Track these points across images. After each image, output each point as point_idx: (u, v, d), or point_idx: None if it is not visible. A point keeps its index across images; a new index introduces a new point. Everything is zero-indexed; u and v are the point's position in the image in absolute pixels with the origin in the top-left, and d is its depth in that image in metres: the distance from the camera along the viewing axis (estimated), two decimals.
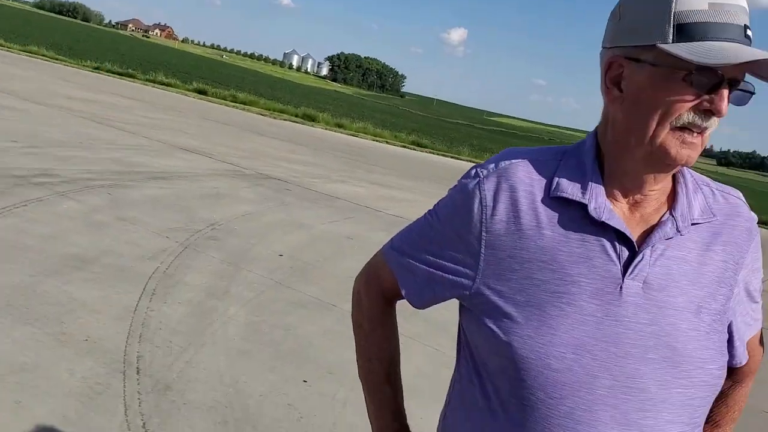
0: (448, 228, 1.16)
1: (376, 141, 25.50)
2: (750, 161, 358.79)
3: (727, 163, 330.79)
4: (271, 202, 8.68)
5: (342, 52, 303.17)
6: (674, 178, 1.18)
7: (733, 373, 1.31)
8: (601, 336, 1.07)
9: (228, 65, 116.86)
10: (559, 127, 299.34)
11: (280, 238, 6.88)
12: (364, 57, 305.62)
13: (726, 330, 1.18)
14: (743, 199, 1.24)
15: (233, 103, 26.84)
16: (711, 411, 1.29)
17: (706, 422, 1.25)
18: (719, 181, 1.26)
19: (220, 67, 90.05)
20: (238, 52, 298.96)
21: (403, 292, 1.22)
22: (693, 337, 1.11)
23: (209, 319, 4.39)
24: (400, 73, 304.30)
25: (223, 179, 9.54)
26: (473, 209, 1.13)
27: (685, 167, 1.13)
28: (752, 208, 1.26)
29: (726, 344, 1.17)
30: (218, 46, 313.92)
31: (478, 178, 1.15)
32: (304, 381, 3.82)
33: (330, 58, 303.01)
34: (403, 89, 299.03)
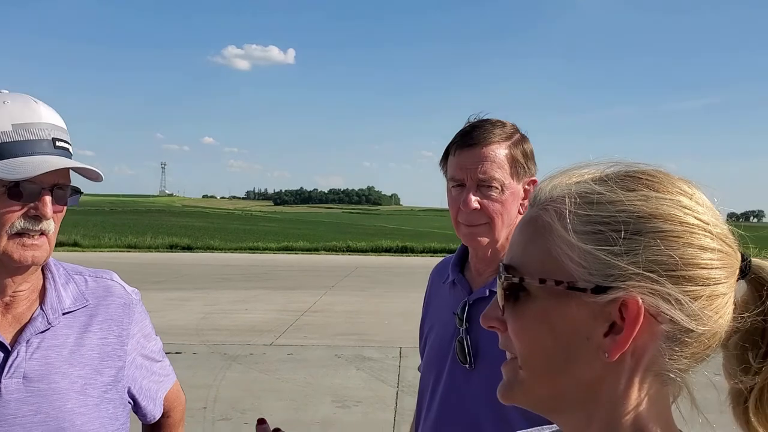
0: None
1: None
2: (300, 197, 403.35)
3: (282, 202, 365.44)
4: None
5: None
6: (44, 274, 1.33)
7: (160, 426, 1.55)
8: None
9: None
10: (118, 195, 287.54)
11: None
12: None
13: (124, 396, 1.38)
14: (116, 279, 1.44)
15: None
16: None
17: None
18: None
19: None
20: None
21: None
22: (81, 413, 1.26)
23: None
24: None
25: None
26: None
27: (53, 262, 1.34)
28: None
29: (125, 409, 1.38)
30: None
31: None
32: None
33: None
34: None
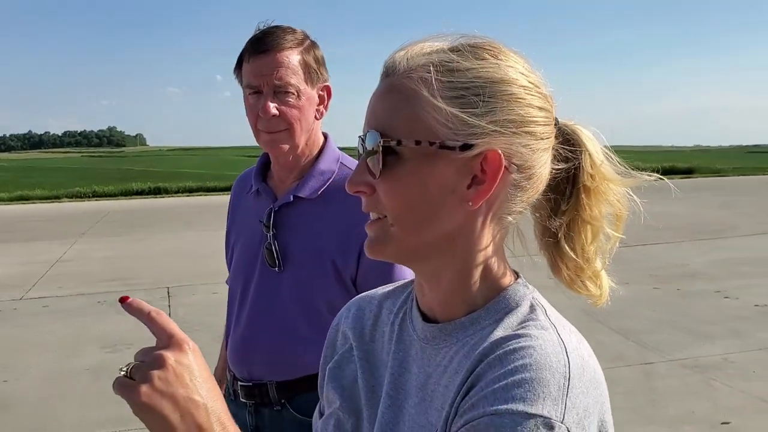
0: None
1: None
2: (30, 141, 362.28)
3: (8, 148, 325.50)
4: None
5: None
6: None
7: None
8: None
9: None
10: None
11: None
12: None
13: None
14: None
15: None
16: None
17: None
18: None
19: None
20: None
21: None
22: None
23: None
24: None
25: None
26: None
27: None
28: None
29: None
30: None
31: None
32: None
33: None
34: None
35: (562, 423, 0.65)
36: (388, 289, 0.97)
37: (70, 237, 13.71)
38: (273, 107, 1.57)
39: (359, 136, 0.81)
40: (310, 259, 1.63)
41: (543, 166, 0.79)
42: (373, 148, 0.76)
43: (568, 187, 0.83)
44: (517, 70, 0.77)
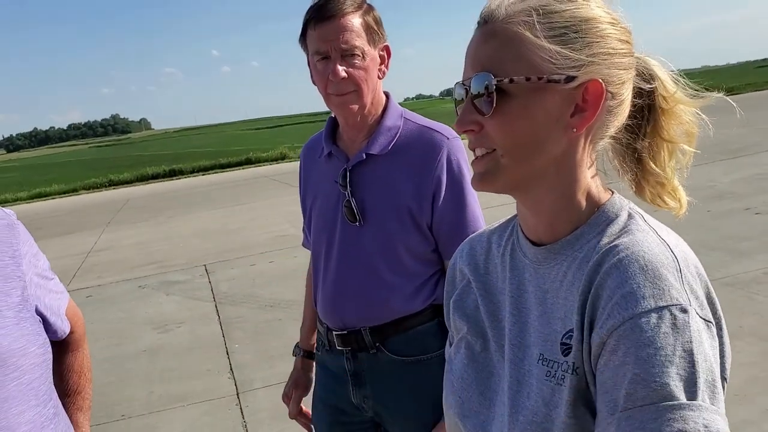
0: None
1: None
2: (36, 138, 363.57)
3: (16, 148, 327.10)
4: None
5: None
6: None
7: (67, 343, 1.56)
8: None
9: None
10: None
11: None
12: None
13: (35, 315, 1.35)
14: None
15: None
16: (67, 383, 1.56)
17: (67, 395, 1.55)
18: None
19: None
20: None
21: None
22: (6, 333, 1.24)
23: None
24: None
25: None
26: None
27: None
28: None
29: (41, 325, 1.37)
30: None
31: None
32: None
33: None
34: None
35: (690, 305, 0.75)
36: (494, 226, 1.06)
37: (96, 227, 13.94)
38: (342, 70, 1.63)
39: (458, 82, 0.88)
40: (387, 211, 1.71)
41: (629, 92, 0.87)
42: (483, 89, 0.83)
43: (647, 112, 0.91)
44: (602, 9, 0.85)
